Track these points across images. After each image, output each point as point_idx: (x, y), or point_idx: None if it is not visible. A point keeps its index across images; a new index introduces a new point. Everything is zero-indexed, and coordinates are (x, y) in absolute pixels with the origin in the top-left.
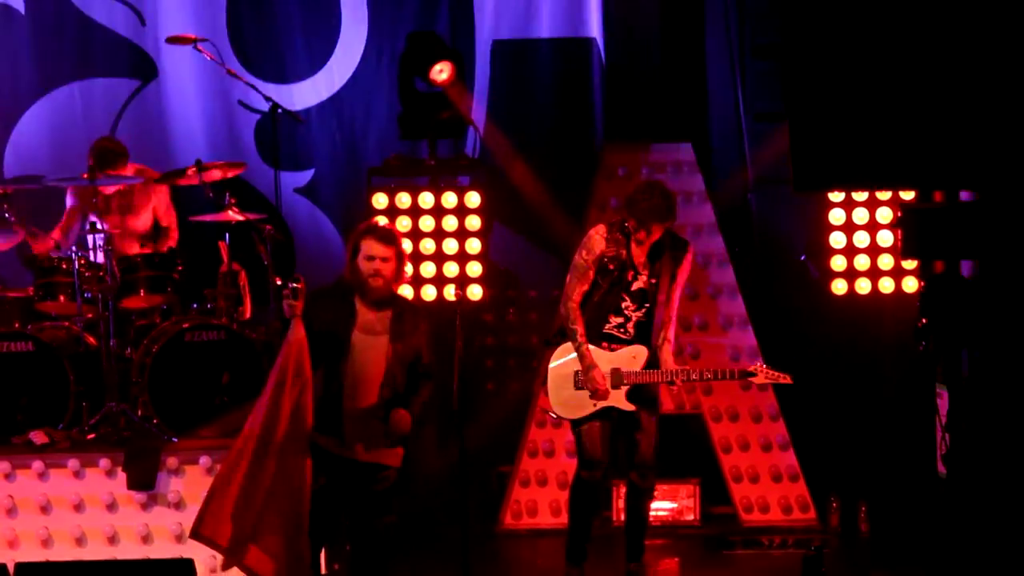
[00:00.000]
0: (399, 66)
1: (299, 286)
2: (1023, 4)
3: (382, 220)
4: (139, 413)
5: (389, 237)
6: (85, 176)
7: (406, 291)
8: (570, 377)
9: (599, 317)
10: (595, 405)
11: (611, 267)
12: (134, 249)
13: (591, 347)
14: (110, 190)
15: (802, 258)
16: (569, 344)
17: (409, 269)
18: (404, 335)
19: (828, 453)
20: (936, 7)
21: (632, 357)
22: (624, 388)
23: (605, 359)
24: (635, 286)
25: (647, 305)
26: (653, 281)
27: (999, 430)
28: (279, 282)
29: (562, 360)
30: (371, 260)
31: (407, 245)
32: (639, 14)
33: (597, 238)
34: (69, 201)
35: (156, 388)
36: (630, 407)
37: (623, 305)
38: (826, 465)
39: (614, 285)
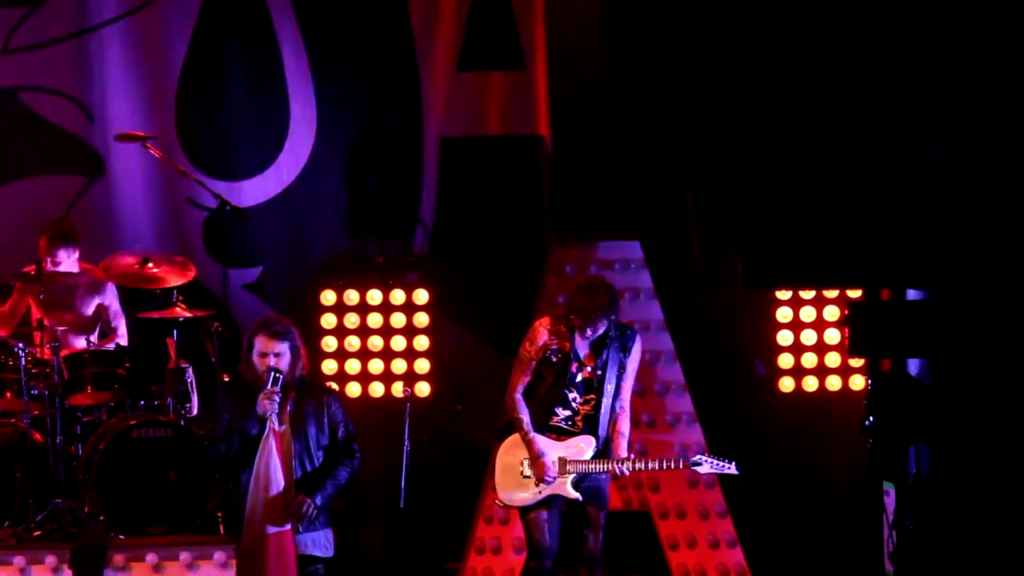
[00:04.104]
0: (347, 163)
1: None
2: (961, 111)
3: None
4: (86, 510)
5: (281, 332)
6: (31, 270)
7: (354, 389)
8: (517, 466)
9: (546, 409)
10: (540, 492)
11: (554, 359)
12: (80, 343)
13: (537, 436)
14: (54, 286)
15: (757, 363)
16: (517, 435)
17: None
18: (306, 419)
19: (776, 551)
20: (883, 112)
21: (579, 447)
22: (569, 476)
23: (552, 448)
24: (580, 378)
25: (594, 397)
26: (599, 373)
27: (946, 528)
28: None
29: (509, 450)
30: (264, 357)
31: (355, 342)
32: (587, 111)
33: (541, 330)
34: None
35: (103, 485)
36: (574, 495)
37: (570, 397)
38: (774, 563)
39: (559, 377)
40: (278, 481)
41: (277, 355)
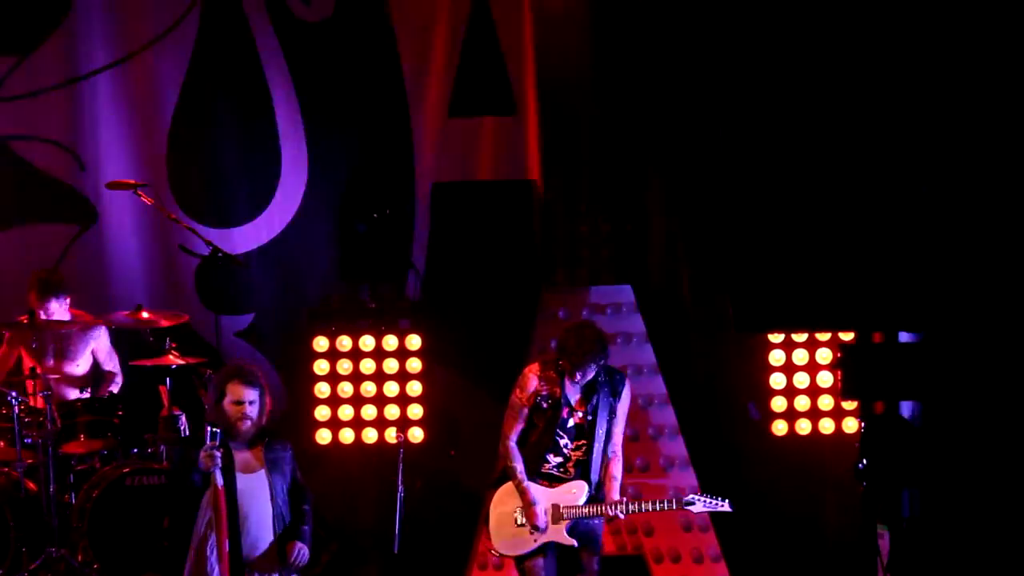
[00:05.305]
0: (339, 209)
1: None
2: (953, 154)
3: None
4: (79, 558)
5: (254, 380)
6: (24, 320)
7: (347, 435)
8: (511, 515)
9: (538, 456)
10: (535, 541)
11: (545, 406)
12: (73, 394)
13: (531, 484)
14: (46, 335)
15: (750, 407)
16: (510, 483)
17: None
18: (279, 463)
19: None
20: (873, 156)
21: (572, 492)
22: (564, 523)
23: (545, 495)
24: (571, 424)
25: (585, 442)
26: (590, 418)
27: (940, 570)
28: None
29: (503, 498)
30: (239, 404)
31: (348, 388)
32: (578, 156)
33: (531, 377)
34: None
35: (96, 533)
36: (570, 541)
37: (561, 443)
38: None
39: (550, 424)
40: (213, 537)
41: (251, 402)
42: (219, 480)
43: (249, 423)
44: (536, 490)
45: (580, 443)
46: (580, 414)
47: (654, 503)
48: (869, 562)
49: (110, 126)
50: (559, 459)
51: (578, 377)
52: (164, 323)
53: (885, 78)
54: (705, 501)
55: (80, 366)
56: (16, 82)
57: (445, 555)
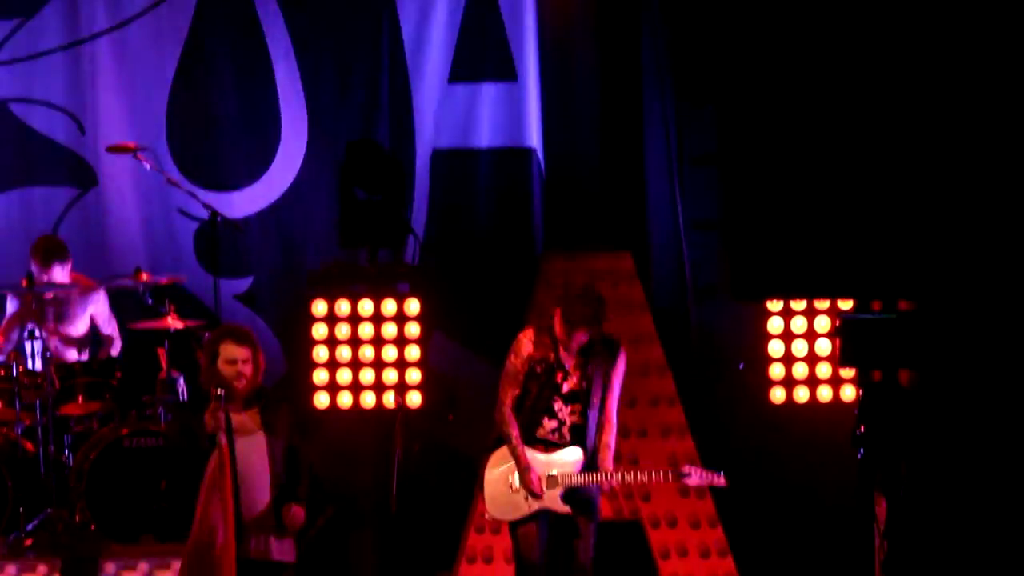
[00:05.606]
0: (339, 174)
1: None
2: (953, 121)
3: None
4: (77, 519)
5: (247, 338)
6: (24, 283)
7: (346, 399)
8: (506, 479)
9: (533, 421)
10: (530, 507)
11: (539, 370)
12: (72, 356)
13: (527, 450)
14: (47, 296)
15: (740, 367)
16: (506, 448)
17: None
18: (276, 425)
19: (766, 560)
20: (872, 119)
21: (567, 460)
22: (559, 490)
23: (541, 461)
24: (566, 388)
25: (580, 406)
26: (584, 384)
27: (937, 537)
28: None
29: (498, 463)
30: (233, 363)
31: (346, 352)
32: (578, 124)
33: (525, 341)
34: (10, 307)
35: (94, 494)
36: (565, 509)
37: (556, 407)
38: (764, 572)
39: (543, 388)
40: (223, 498)
41: (245, 361)
42: (224, 441)
43: (245, 381)
44: (532, 456)
45: (575, 407)
46: (575, 379)
47: (649, 474)
48: (866, 528)
49: (110, 89)
50: (554, 423)
51: (568, 336)
52: (162, 281)
53: (887, 42)
54: (700, 473)
55: (79, 328)
56: (17, 45)
57: (442, 518)
